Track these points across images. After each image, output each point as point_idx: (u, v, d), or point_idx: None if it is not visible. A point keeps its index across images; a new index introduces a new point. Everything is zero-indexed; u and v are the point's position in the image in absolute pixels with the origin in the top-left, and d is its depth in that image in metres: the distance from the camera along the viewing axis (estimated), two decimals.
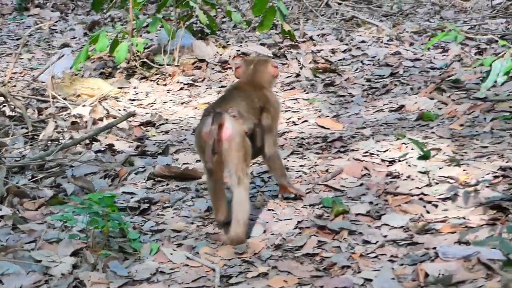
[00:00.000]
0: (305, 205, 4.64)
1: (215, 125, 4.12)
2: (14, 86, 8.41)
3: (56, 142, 5.94)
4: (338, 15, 10.61)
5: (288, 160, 5.45)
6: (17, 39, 11.07)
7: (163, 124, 6.84)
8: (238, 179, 4.25)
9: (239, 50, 8.52)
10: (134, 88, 8.16)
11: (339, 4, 11.27)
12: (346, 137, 5.94)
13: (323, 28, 9.65)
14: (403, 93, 7.02)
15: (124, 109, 7.27)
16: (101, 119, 6.79)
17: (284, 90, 7.63)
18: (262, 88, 4.64)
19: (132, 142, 6.19)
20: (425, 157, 4.77)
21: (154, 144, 6.20)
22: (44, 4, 12.85)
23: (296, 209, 4.64)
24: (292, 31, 8.84)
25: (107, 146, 5.95)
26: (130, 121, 6.76)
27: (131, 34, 8.59)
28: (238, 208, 4.25)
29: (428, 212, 4.41)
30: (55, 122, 6.42)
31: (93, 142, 6.01)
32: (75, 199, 4.38)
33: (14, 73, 8.82)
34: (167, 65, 8.43)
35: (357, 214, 4.47)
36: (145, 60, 8.52)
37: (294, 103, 7.20)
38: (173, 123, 6.90)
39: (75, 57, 8.70)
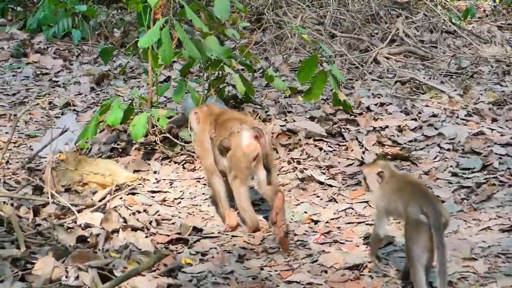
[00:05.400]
0: None
1: (263, 137, 5.14)
2: (8, 163, 6.79)
3: (58, 284, 4.20)
4: (390, 74, 8.97)
5: None
6: (13, 95, 9.38)
7: (198, 240, 5.14)
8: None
9: (283, 126, 6.83)
10: (155, 173, 6.50)
11: (387, 59, 9.64)
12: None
13: (379, 96, 7.93)
14: (511, 199, 5.36)
15: (144, 210, 5.60)
16: (116, 231, 5.15)
17: (347, 186, 5.93)
18: None
19: (158, 277, 4.48)
20: None
21: (191, 281, 4.50)
22: (45, 49, 11.16)
23: None
24: (348, 101, 7.18)
25: None
26: (153, 238, 5.10)
27: (150, 102, 6.99)
28: None
29: None
30: (56, 241, 4.74)
31: None
32: None
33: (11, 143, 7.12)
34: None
35: None
36: (167, 135, 6.89)
37: (365, 207, 5.54)
38: (211, 236, 5.20)
39: (80, 127, 7.14)
